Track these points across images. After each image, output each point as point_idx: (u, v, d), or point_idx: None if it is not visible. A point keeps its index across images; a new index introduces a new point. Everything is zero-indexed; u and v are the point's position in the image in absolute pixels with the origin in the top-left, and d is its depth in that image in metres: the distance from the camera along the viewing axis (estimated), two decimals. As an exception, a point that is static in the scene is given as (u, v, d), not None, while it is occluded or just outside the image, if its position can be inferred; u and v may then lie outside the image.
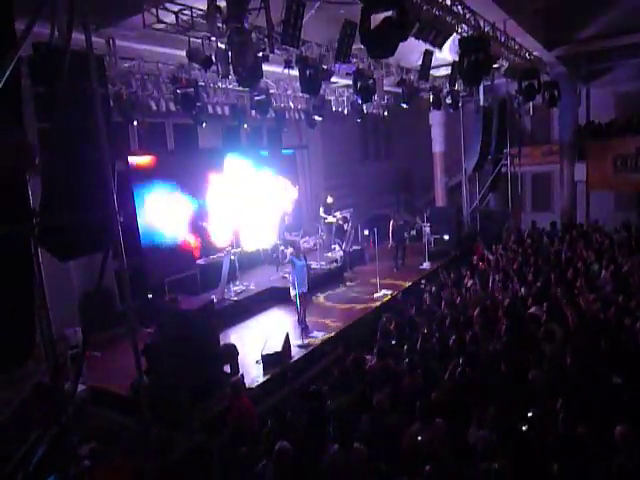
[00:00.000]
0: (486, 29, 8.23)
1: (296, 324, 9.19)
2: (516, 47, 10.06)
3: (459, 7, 7.26)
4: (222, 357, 7.10)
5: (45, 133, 4.68)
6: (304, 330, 8.90)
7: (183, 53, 7.57)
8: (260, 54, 6.68)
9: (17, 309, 4.50)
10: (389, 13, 4.94)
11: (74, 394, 6.04)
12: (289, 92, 12.02)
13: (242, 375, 6.98)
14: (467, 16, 7.47)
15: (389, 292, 11.18)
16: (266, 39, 6.38)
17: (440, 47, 7.27)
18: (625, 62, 14.58)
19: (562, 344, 6.68)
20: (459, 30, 7.42)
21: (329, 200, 13.81)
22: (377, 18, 5.18)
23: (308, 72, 7.61)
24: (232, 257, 10.93)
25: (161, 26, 6.23)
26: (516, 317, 8.00)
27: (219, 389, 6.55)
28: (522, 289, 9.48)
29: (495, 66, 10.78)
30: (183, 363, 6.39)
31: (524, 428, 4.88)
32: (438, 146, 17.79)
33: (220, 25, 6.21)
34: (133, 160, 10.38)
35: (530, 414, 5.05)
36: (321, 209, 13.66)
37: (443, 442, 4.80)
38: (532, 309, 8.24)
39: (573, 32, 12.50)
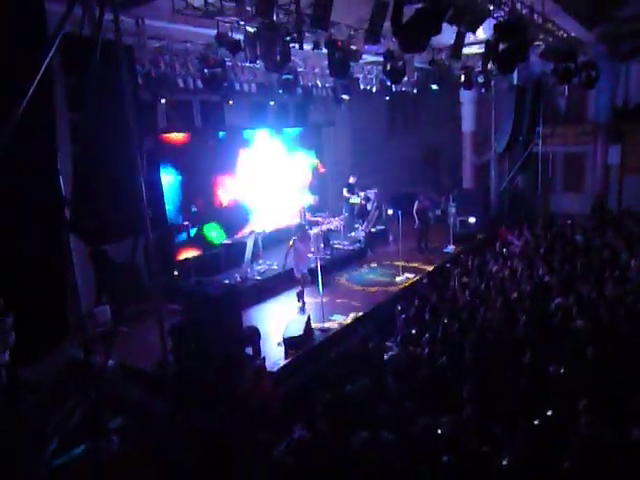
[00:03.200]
0: (523, 11, 7.89)
1: (317, 306, 9.30)
2: (554, 28, 9.63)
3: (495, -10, 6.98)
4: (245, 339, 7.26)
5: (76, 123, 4.77)
6: (302, 308, 9.54)
7: (211, 32, 7.50)
8: (288, 38, 6.55)
9: (50, 295, 4.69)
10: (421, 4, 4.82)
11: (105, 369, 6.31)
12: (317, 70, 11.82)
13: (264, 358, 7.14)
14: (503, -1, 7.19)
15: (412, 276, 11.16)
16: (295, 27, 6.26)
17: (474, 32, 7.02)
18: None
19: (588, 339, 6.60)
20: (494, 15, 7.15)
21: (351, 180, 13.73)
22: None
23: (337, 55, 7.47)
24: (256, 235, 11.04)
25: (190, 11, 6.18)
26: (539, 309, 7.93)
27: (241, 372, 6.74)
28: (547, 278, 9.37)
29: (531, 45, 10.37)
30: (208, 345, 6.58)
31: (536, 422, 4.91)
32: (468, 125, 17.32)
33: (249, 9, 6.13)
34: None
35: (549, 412, 5.08)
36: (344, 189, 13.60)
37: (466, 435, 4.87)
38: (557, 300, 8.15)
39: (613, 10, 11.90)
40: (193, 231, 10.91)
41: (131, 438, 5.73)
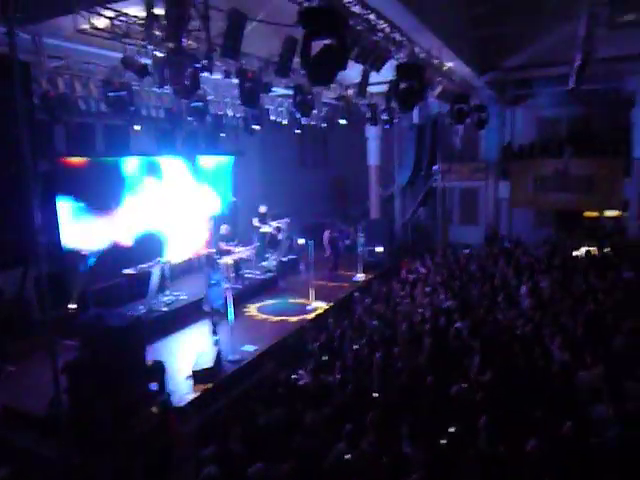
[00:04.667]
0: (422, 55, 8.55)
1: (228, 336, 9.06)
2: (449, 72, 10.51)
3: (397, 34, 7.50)
4: (148, 375, 6.86)
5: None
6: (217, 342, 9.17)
7: (116, 54, 7.27)
8: (199, 65, 6.51)
9: None
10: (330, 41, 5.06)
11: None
12: (227, 99, 11.84)
13: (169, 393, 6.79)
14: (404, 43, 7.73)
15: (323, 304, 11.29)
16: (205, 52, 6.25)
17: (378, 70, 7.47)
18: (546, 90, 15.72)
19: (483, 359, 7.05)
20: (396, 56, 7.67)
21: (262, 210, 13.75)
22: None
23: (247, 85, 7.55)
24: (162, 266, 10.60)
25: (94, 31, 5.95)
26: (440, 332, 8.34)
27: (144, 408, 6.33)
28: (447, 303, 9.93)
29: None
30: (107, 382, 6.12)
31: (443, 442, 5.10)
32: (373, 159, 18.19)
33: (157, 33, 6.04)
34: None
35: (452, 429, 5.29)
36: (255, 219, 13.57)
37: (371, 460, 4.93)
38: (457, 324, 8.63)
39: (501, 60, 13.32)
40: (92, 261, 10.27)
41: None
